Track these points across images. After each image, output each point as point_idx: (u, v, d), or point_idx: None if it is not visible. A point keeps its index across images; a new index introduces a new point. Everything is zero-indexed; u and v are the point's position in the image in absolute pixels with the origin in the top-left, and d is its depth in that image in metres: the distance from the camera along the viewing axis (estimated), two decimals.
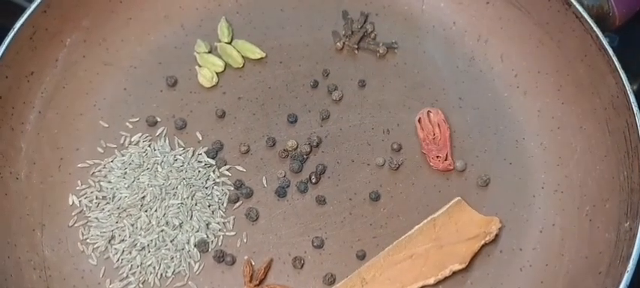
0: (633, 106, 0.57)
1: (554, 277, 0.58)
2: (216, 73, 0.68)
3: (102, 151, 0.65)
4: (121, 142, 0.65)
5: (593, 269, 0.55)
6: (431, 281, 0.58)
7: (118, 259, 0.60)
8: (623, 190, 0.57)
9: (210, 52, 0.69)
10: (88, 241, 0.61)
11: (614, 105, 0.59)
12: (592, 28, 0.61)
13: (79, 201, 0.62)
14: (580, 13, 0.62)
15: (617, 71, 0.59)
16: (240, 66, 0.68)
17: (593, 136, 0.61)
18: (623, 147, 0.58)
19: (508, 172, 0.63)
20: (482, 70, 0.68)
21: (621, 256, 0.53)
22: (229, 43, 0.70)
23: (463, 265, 0.58)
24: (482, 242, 0.59)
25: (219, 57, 0.69)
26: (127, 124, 0.66)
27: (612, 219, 0.56)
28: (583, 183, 0.61)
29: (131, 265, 0.59)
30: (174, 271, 0.60)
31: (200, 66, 0.68)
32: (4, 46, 0.61)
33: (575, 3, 0.62)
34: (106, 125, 0.66)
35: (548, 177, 0.63)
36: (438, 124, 0.65)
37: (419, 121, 0.66)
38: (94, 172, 0.63)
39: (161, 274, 0.59)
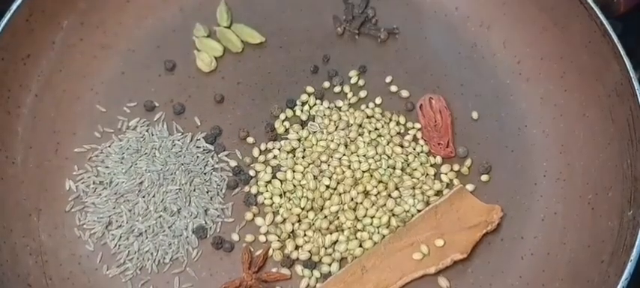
0: (637, 94, 0.56)
1: (555, 265, 0.57)
2: (215, 58, 0.67)
3: (99, 136, 0.64)
4: (119, 126, 0.64)
5: (596, 258, 0.55)
6: (432, 270, 0.57)
7: (116, 245, 0.59)
8: (627, 179, 0.56)
9: (209, 36, 0.68)
10: (84, 226, 0.60)
11: (617, 92, 0.59)
12: (596, 14, 0.60)
13: (76, 186, 0.61)
14: None
15: (622, 58, 0.58)
16: (240, 50, 0.68)
17: (596, 123, 0.60)
18: (626, 135, 0.57)
19: (510, 159, 0.63)
20: (484, 57, 0.67)
21: (624, 245, 0.53)
22: (228, 27, 0.69)
23: (464, 255, 0.57)
24: (484, 231, 0.59)
25: (218, 41, 0.68)
26: (125, 108, 0.65)
27: (615, 207, 0.56)
28: (586, 171, 0.60)
29: (128, 251, 0.59)
30: (172, 257, 0.59)
31: (199, 50, 0.68)
32: (0, 27, 0.60)
33: None
34: (103, 109, 0.65)
35: (550, 165, 0.62)
36: (440, 111, 0.64)
37: (420, 107, 0.65)
38: (91, 157, 0.63)
39: (159, 261, 0.59)
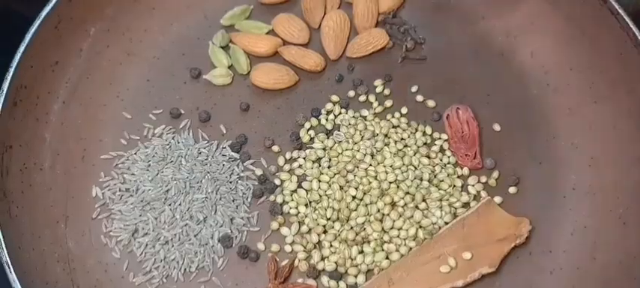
0: None
1: (585, 280, 0.56)
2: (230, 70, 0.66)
3: (125, 143, 0.64)
4: (145, 133, 0.64)
5: (628, 274, 0.54)
6: (459, 284, 0.57)
7: (142, 253, 0.59)
8: None
9: (226, 46, 0.68)
10: (111, 233, 0.60)
11: None
12: (629, 25, 0.59)
13: (103, 193, 0.62)
14: (616, 9, 0.60)
15: None
16: (245, 73, 0.67)
17: (627, 136, 0.60)
18: None
19: (538, 171, 0.62)
20: (511, 67, 0.67)
21: None
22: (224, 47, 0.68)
23: (493, 269, 0.57)
24: (513, 245, 0.58)
25: (229, 56, 0.67)
26: (151, 115, 0.65)
27: None
28: (616, 184, 0.59)
29: (155, 259, 0.59)
30: (198, 266, 0.59)
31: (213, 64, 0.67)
32: (29, 35, 0.60)
33: None
34: (129, 116, 0.65)
35: (579, 177, 0.61)
36: (467, 122, 0.64)
37: (447, 117, 0.64)
38: (117, 164, 0.63)
39: (185, 269, 0.59)
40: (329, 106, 0.65)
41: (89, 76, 0.65)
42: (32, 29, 0.60)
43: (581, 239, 0.59)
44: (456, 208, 0.60)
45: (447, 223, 0.59)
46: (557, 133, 0.64)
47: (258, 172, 0.62)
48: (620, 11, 0.60)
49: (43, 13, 0.61)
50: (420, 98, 0.66)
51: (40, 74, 0.62)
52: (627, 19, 0.60)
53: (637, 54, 0.59)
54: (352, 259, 0.58)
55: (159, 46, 0.68)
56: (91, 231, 0.60)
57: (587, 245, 0.58)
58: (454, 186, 0.61)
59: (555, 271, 0.58)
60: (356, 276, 0.58)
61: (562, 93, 0.65)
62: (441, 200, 0.60)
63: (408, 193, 0.60)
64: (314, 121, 0.65)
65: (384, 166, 0.61)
